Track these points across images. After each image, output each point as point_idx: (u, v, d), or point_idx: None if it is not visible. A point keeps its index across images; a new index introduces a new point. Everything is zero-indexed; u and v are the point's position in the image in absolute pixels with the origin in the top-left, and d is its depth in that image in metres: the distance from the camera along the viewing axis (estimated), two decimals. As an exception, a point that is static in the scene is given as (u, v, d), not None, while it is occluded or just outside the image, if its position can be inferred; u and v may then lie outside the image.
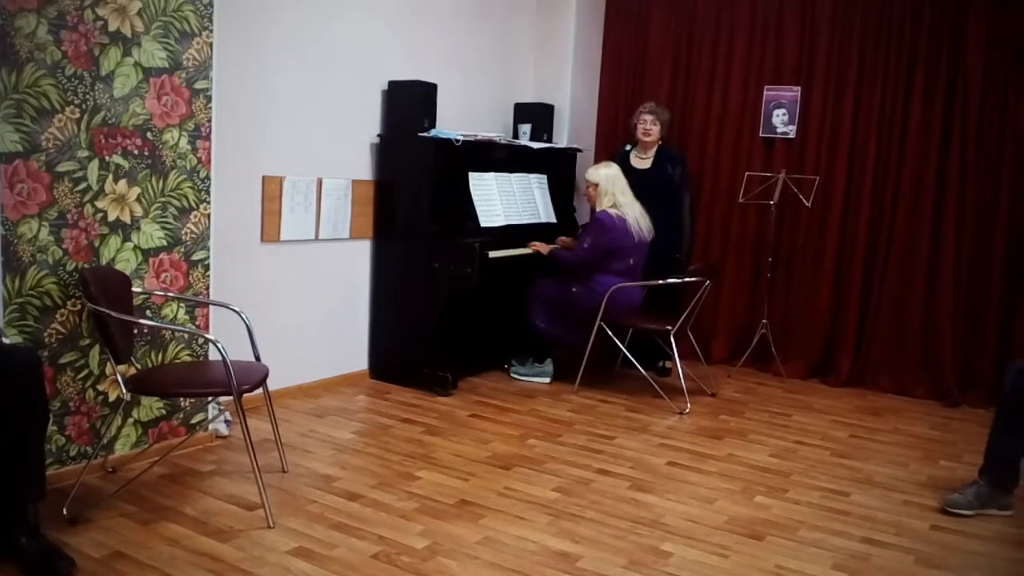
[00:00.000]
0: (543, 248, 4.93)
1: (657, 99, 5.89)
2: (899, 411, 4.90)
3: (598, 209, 4.80)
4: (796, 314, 5.61)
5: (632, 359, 4.83)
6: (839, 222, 5.44)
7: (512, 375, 5.15)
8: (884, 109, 5.27)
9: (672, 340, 4.64)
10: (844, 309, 5.45)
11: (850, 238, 5.43)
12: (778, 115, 5.58)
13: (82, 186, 3.13)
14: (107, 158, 3.20)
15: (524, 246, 4.95)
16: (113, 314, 2.90)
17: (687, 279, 4.65)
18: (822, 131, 5.48)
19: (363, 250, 4.85)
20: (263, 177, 4.20)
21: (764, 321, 5.48)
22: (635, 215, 4.75)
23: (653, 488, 3.48)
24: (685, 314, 4.65)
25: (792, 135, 5.54)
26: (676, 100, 5.93)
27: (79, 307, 3.14)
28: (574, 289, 4.82)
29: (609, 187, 4.76)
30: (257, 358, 3.27)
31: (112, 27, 3.15)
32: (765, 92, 5.60)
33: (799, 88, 5.50)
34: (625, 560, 2.82)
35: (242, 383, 2.93)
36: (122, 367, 3.03)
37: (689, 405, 4.65)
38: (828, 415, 4.72)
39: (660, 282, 4.71)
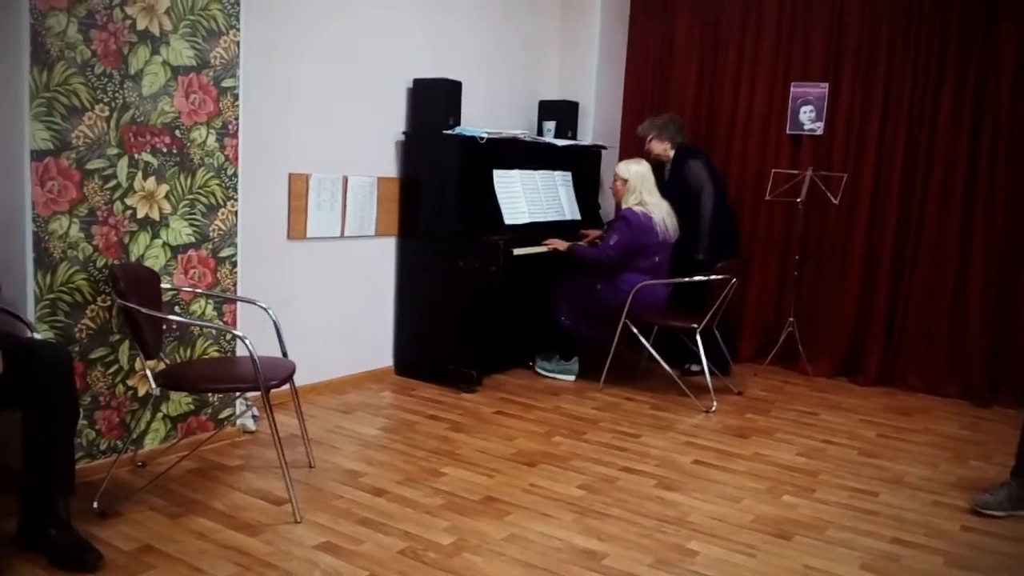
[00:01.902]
0: (560, 245, 4.92)
1: (683, 96, 5.89)
2: (928, 410, 4.84)
3: (624, 206, 4.78)
4: (823, 312, 5.56)
5: (658, 357, 4.81)
6: (867, 219, 5.38)
7: (537, 371, 5.15)
8: (913, 105, 5.21)
9: (698, 338, 4.61)
10: (872, 307, 5.39)
11: (878, 235, 5.37)
12: (805, 112, 5.53)
13: (112, 183, 3.17)
14: (136, 156, 3.23)
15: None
16: (143, 310, 2.92)
17: (713, 277, 4.62)
18: (850, 127, 5.42)
19: (388, 247, 4.86)
20: (290, 175, 4.23)
21: (791, 319, 5.43)
22: (662, 214, 4.73)
23: (679, 486, 3.46)
24: (711, 312, 4.62)
25: (819, 132, 5.49)
26: (702, 97, 5.91)
27: (109, 303, 3.18)
28: (599, 286, 4.81)
29: (638, 184, 4.74)
30: (284, 354, 3.29)
31: (141, 26, 3.18)
32: (792, 88, 5.55)
33: (827, 84, 5.44)
34: (651, 558, 2.80)
35: (269, 379, 2.95)
36: (151, 362, 3.06)
37: (715, 403, 4.62)
38: (856, 414, 4.67)
39: (686, 280, 4.69)
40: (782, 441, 4.13)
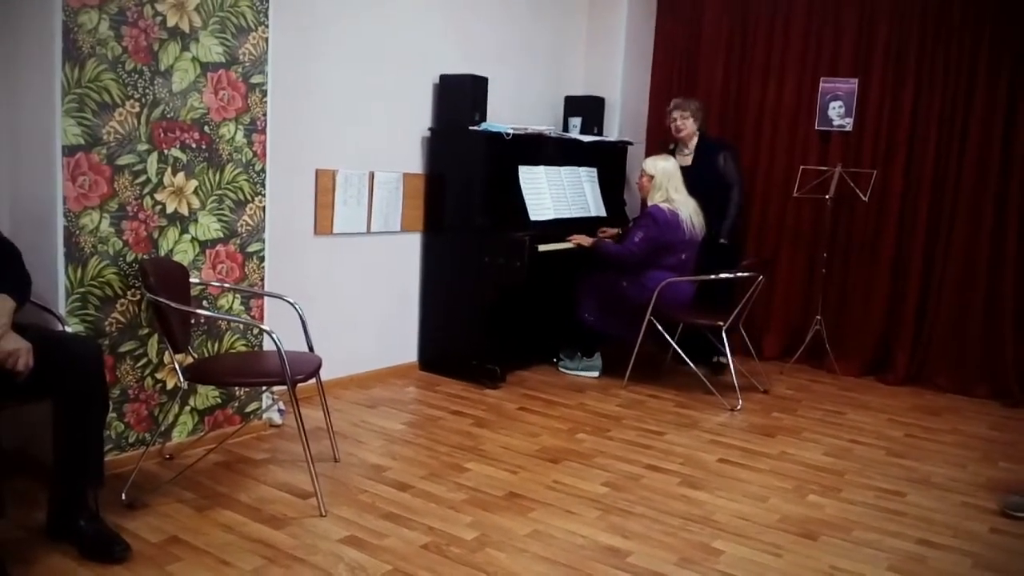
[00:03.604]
0: (585, 241, 4.90)
1: (710, 91, 5.84)
2: (957, 411, 4.78)
3: (650, 202, 4.76)
4: (851, 310, 5.51)
5: (683, 354, 4.79)
6: (897, 217, 5.32)
7: (560, 369, 5.14)
8: (945, 101, 5.14)
9: (724, 336, 4.59)
10: (901, 306, 5.33)
11: (908, 233, 5.31)
12: (834, 107, 5.47)
13: (142, 179, 3.20)
14: (166, 151, 3.26)
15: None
16: (172, 304, 2.95)
17: (739, 274, 4.59)
18: (880, 124, 5.36)
19: (414, 243, 4.88)
20: (317, 170, 4.25)
21: (818, 317, 5.38)
22: (689, 212, 4.70)
23: (704, 485, 3.44)
24: (737, 310, 4.59)
25: (849, 128, 5.43)
26: (729, 92, 5.86)
27: (139, 297, 3.22)
28: (624, 283, 4.79)
29: (664, 181, 4.72)
30: (310, 348, 3.32)
31: (171, 22, 3.20)
32: (821, 84, 5.50)
33: (856, 80, 5.38)
34: (676, 557, 2.79)
35: (296, 373, 2.97)
36: (180, 356, 3.09)
37: (741, 402, 4.59)
38: (884, 414, 4.62)
39: (712, 277, 4.66)
40: (808, 440, 4.10)
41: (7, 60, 3.08)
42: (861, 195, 5.21)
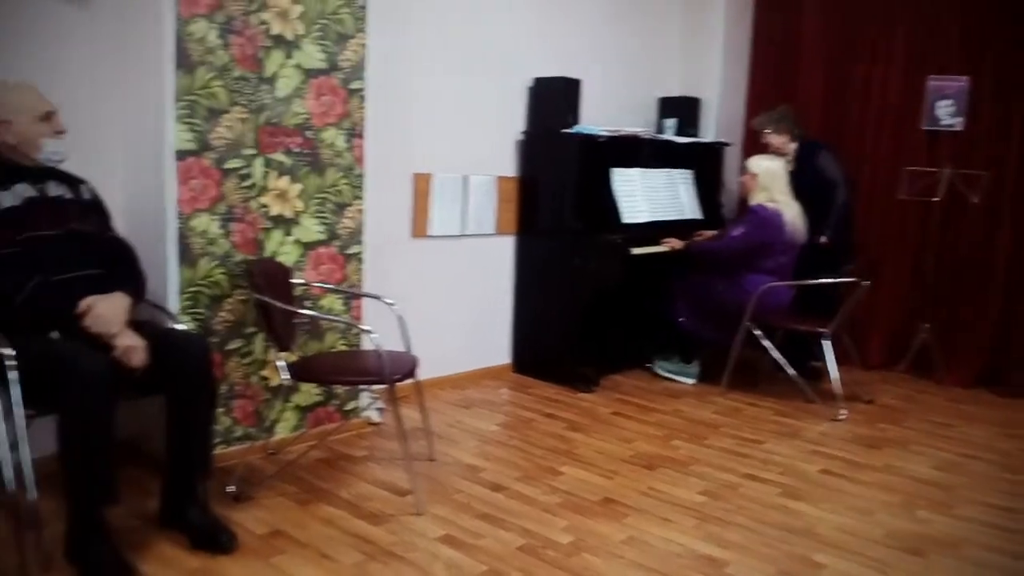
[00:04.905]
0: (678, 244, 4.83)
1: (810, 90, 5.67)
2: (1079, 425, 4.51)
3: (752, 202, 4.64)
4: (961, 318, 5.25)
5: (783, 361, 4.65)
6: (1011, 220, 5.05)
7: (656, 372, 5.07)
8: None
9: (827, 343, 4.44)
10: (1016, 313, 5.05)
11: (1022, 237, 5.03)
12: (943, 106, 5.24)
13: (248, 182, 3.30)
14: (270, 156, 3.36)
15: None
16: (277, 304, 3.04)
17: (842, 280, 4.43)
18: (992, 123, 5.10)
19: (507, 246, 4.90)
20: (413, 174, 4.31)
21: (925, 325, 5.16)
22: (792, 215, 4.58)
23: (805, 496, 3.34)
24: (840, 316, 4.44)
25: (959, 128, 5.19)
26: (830, 91, 5.67)
27: (245, 297, 3.32)
28: (720, 287, 4.69)
29: (768, 182, 4.60)
30: (407, 349, 3.36)
31: (275, 31, 3.30)
32: (929, 82, 5.27)
33: (966, 78, 5.14)
34: (774, 569, 2.72)
35: (394, 373, 3.01)
36: (284, 354, 3.18)
37: (844, 411, 4.43)
38: (996, 427, 4.40)
39: (812, 282, 4.51)
40: (916, 453, 3.93)
41: (122, 68, 3.23)
42: (972, 198, 4.97)
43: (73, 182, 2.80)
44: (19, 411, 2.38)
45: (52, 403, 2.38)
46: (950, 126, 5.23)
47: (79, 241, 2.69)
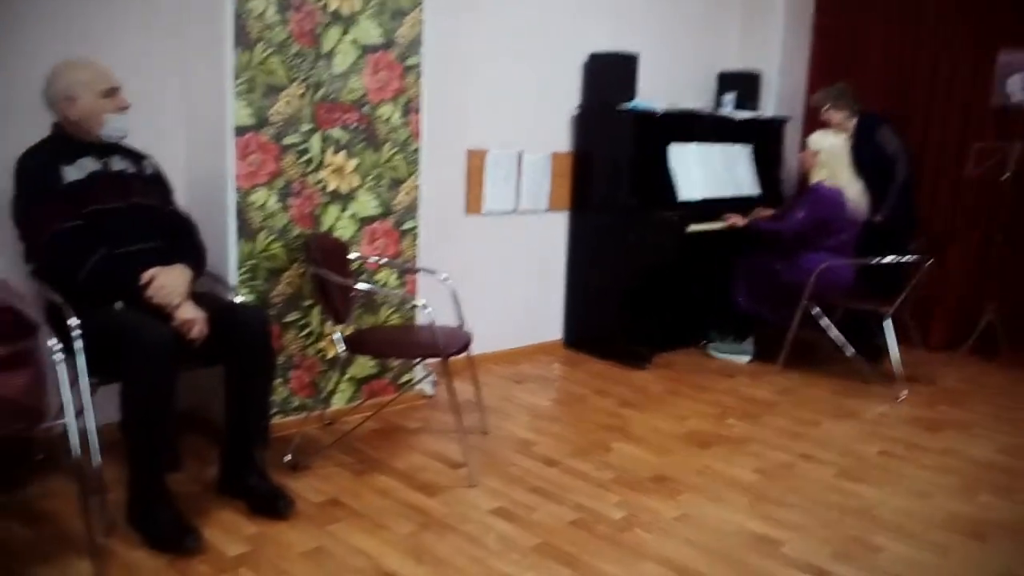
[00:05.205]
0: (739, 220, 4.75)
1: (874, 64, 5.50)
2: None
3: (813, 179, 4.53)
4: (1030, 299, 5.09)
5: (843, 340, 4.56)
6: (1085, 198, 4.87)
7: (710, 351, 5.02)
8: None
9: (889, 322, 4.34)
10: (1089, 294, 4.88)
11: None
12: (1015, 81, 5.04)
13: (306, 158, 3.34)
14: (327, 131, 3.39)
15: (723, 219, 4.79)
16: (334, 277, 3.08)
17: (906, 258, 4.32)
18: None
19: (560, 221, 4.88)
20: (468, 151, 4.31)
21: (991, 305, 5.01)
22: (854, 193, 4.47)
23: (862, 477, 3.28)
24: (903, 295, 4.33)
25: (1031, 102, 5.00)
26: (893, 65, 5.49)
27: (302, 271, 3.37)
28: (778, 267, 4.60)
29: (831, 159, 4.48)
30: (461, 324, 3.38)
31: (332, 7, 3.32)
32: (1000, 56, 5.07)
33: (1040, 50, 4.94)
34: (831, 550, 2.68)
35: (448, 347, 3.03)
36: (340, 327, 3.22)
37: (904, 392, 4.33)
38: (1066, 411, 4.27)
39: (873, 262, 4.40)
40: (979, 436, 3.83)
41: (182, 46, 3.28)
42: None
43: (136, 157, 2.86)
44: (84, 379, 2.46)
45: (115, 372, 2.45)
46: (1022, 101, 5.04)
47: (142, 214, 2.75)
